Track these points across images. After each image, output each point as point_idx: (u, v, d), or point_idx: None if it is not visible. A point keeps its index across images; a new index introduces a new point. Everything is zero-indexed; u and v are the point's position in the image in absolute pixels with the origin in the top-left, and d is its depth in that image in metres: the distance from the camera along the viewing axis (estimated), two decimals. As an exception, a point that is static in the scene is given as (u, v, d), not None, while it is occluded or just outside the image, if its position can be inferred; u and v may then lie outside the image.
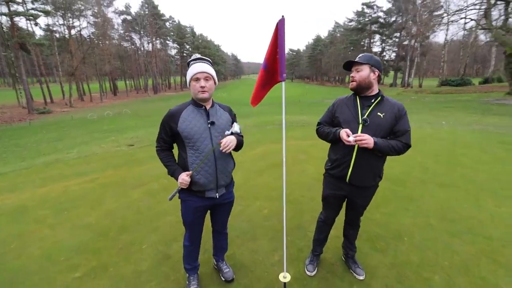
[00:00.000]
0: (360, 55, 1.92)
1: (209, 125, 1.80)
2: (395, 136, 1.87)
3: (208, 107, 1.85)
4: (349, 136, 1.78)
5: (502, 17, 20.94)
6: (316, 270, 2.38)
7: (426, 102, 20.85)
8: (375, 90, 1.91)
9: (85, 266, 2.52)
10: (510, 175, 4.41)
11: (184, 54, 64.86)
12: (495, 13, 22.33)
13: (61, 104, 35.24)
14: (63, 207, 3.77)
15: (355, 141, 1.75)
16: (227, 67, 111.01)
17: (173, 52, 67.05)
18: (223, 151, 1.75)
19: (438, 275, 2.30)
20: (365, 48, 55.98)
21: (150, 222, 3.23)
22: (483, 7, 22.21)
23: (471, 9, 23.57)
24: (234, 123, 1.90)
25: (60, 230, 3.19)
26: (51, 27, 36.06)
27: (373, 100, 1.88)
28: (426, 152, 5.81)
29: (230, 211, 2.20)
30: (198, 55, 1.81)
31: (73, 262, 2.60)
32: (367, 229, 2.96)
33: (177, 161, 1.93)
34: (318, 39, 79.20)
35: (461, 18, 25.79)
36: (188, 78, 1.78)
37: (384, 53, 54.98)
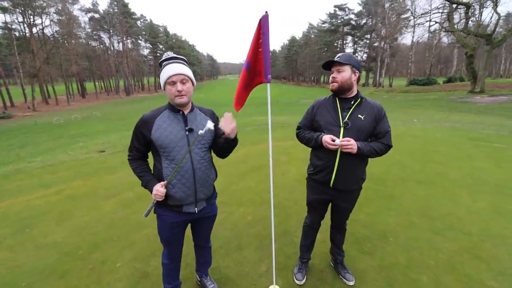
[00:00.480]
0: (340, 54, 1.84)
1: (187, 133, 1.62)
2: (376, 137, 1.85)
3: (186, 112, 1.66)
4: (334, 141, 1.73)
5: (463, 20, 22.50)
6: (305, 279, 2.29)
7: (397, 101, 21.85)
8: (354, 91, 1.87)
9: (50, 292, 2.24)
10: (480, 170, 4.64)
11: (158, 54, 62.96)
12: (456, 17, 23.98)
13: (23, 108, 32.66)
14: (25, 225, 3.38)
15: (341, 145, 1.71)
16: (203, 68, 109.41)
17: (145, 52, 64.89)
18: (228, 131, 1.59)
19: (425, 275, 2.30)
20: (338, 49, 57.69)
21: (125, 237, 2.97)
22: (446, 11, 23.74)
23: (435, 13, 25.12)
24: (208, 120, 1.63)
25: (21, 252, 2.84)
26: (9, 25, 33.24)
27: (352, 102, 1.84)
28: (402, 150, 5.99)
29: (213, 225, 2.03)
30: (171, 54, 1.61)
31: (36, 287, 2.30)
32: (353, 231, 2.93)
33: (152, 172, 1.74)
34: (293, 40, 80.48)
35: (426, 21, 27.37)
36: (162, 81, 1.57)
37: (356, 54, 57.02)
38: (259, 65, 1.70)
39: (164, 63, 1.58)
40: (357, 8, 54.87)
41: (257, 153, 6.12)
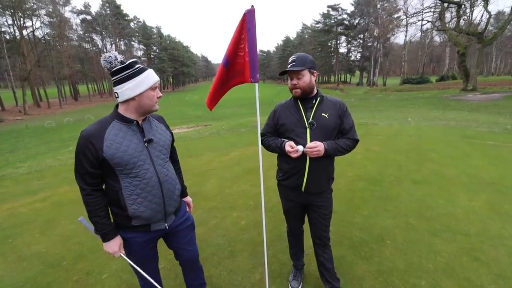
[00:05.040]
0: (294, 58, 1.72)
1: (146, 144, 1.43)
2: (342, 134, 1.81)
3: (141, 121, 1.46)
4: (296, 149, 1.65)
5: (455, 19, 22.71)
6: (301, 286, 2.20)
7: (391, 100, 21.95)
8: (314, 90, 1.81)
9: (30, 308, 2.11)
10: (476, 169, 4.60)
11: (151, 56, 62.58)
12: (448, 16, 24.22)
13: (14, 111, 32.14)
14: (7, 234, 3.23)
15: (307, 152, 1.65)
16: (197, 69, 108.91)
17: (139, 53, 64.37)
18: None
19: (424, 280, 2.22)
20: (332, 49, 57.96)
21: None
22: (437, 10, 23.95)
23: (427, 12, 25.33)
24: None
25: (1, 264, 2.70)
26: (-2, 28, 32.66)
27: (314, 101, 1.78)
28: (397, 149, 5.94)
29: (195, 236, 1.83)
30: (118, 55, 1.38)
31: (16, 303, 2.17)
32: (349, 235, 2.85)
33: (106, 193, 1.48)
34: (287, 40, 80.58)
35: (419, 20, 27.63)
36: (145, 86, 1.36)
37: (350, 54, 57.44)
38: (240, 63, 1.60)
39: (140, 67, 1.38)
40: (350, 8, 55.16)
41: (252, 155, 6.01)
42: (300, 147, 1.64)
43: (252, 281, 2.28)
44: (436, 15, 24.58)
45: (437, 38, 45.40)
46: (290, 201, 1.99)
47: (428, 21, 26.68)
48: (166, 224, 1.58)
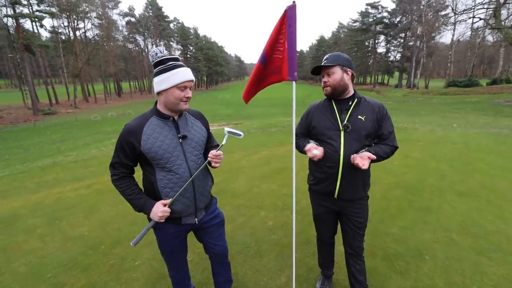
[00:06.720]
0: (327, 56, 1.70)
1: (180, 140, 1.49)
2: (379, 139, 1.70)
3: (176, 117, 1.51)
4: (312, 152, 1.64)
5: (512, 17, 20.48)
6: (328, 295, 2.12)
7: (434, 103, 20.43)
8: (351, 91, 1.71)
9: (72, 285, 2.30)
10: (535, 183, 4.09)
11: (188, 55, 65.02)
12: (504, 12, 21.89)
13: (66, 105, 35.47)
14: (56, 216, 3.56)
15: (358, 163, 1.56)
16: (230, 68, 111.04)
17: (177, 53, 67.28)
18: (215, 165, 1.54)
19: (468, 302, 2.01)
20: (369, 48, 55.46)
21: (145, 235, 2.98)
22: (492, 6, 21.74)
23: (480, 8, 23.10)
24: (227, 129, 1.63)
25: (49, 242, 2.98)
26: (56, 29, 36.32)
27: (350, 103, 1.68)
28: (440, 157, 5.49)
29: (224, 232, 1.85)
30: (165, 51, 1.43)
31: (60, 279, 2.38)
32: (383, 246, 2.68)
33: (143, 186, 1.59)
34: (322, 40, 78.73)
35: (469, 18, 25.30)
36: (169, 83, 1.38)
37: (389, 54, 54.47)
38: (278, 60, 1.57)
39: (171, 63, 1.40)
40: (391, 6, 52.21)
41: (281, 155, 5.96)
42: (317, 152, 1.61)
43: (278, 283, 2.25)
44: (490, 11, 22.32)
45: (490, 37, 41.20)
46: (321, 206, 1.90)
47: (481, 19, 24.33)
48: (196, 219, 1.63)
